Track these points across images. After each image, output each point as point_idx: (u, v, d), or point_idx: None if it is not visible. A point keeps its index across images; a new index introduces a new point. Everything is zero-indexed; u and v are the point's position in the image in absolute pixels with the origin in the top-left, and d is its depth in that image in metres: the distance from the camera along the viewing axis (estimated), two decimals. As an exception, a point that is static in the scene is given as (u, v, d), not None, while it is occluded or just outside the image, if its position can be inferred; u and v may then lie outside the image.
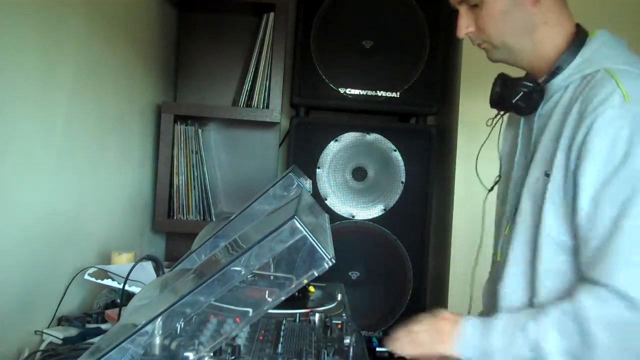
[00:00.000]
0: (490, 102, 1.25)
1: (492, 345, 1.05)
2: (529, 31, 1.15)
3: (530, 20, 1.14)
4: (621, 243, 0.99)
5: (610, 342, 0.97)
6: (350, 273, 2.26)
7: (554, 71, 1.14)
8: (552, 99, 1.15)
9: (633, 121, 1.00)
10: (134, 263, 1.25)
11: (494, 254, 1.29)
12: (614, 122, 1.01)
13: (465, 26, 1.18)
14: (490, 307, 1.27)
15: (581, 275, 1.06)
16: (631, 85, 1.03)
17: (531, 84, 1.17)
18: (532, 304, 1.13)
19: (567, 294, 1.06)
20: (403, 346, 1.12)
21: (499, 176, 1.34)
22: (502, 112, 1.28)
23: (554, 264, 1.10)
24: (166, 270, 1.22)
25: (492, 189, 1.33)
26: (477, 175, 1.34)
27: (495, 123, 1.29)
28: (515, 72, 1.24)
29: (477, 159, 1.36)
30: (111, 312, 1.35)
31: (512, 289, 1.17)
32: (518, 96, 1.17)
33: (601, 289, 0.99)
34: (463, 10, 1.18)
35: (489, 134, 1.31)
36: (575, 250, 1.07)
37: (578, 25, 1.17)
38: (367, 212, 2.27)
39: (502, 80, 1.22)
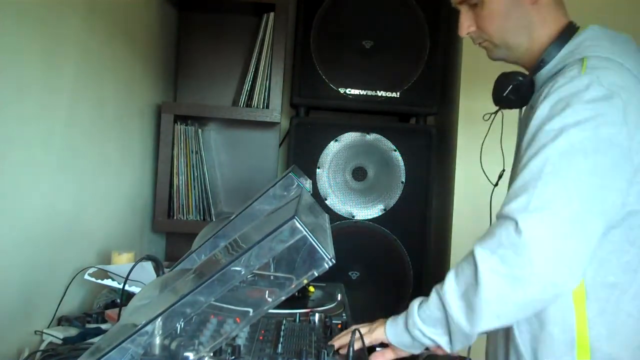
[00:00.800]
0: (492, 99, 1.27)
1: (413, 313, 1.06)
2: (527, 29, 1.16)
3: (529, 18, 1.16)
4: (521, 178, 1.00)
5: (492, 267, 0.97)
6: (350, 273, 2.26)
7: (539, 64, 1.16)
8: (539, 91, 1.15)
9: (579, 86, 1.01)
10: (134, 263, 1.25)
11: None
12: (560, 88, 1.03)
13: (466, 25, 1.20)
14: None
15: None
16: (596, 62, 1.04)
17: (520, 77, 1.20)
18: None
19: None
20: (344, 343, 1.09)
21: (504, 170, 1.33)
22: (497, 108, 1.29)
23: None
24: (166, 270, 1.22)
25: (497, 184, 1.33)
26: (483, 170, 1.35)
27: (493, 118, 1.32)
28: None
29: (480, 154, 1.38)
30: (111, 312, 1.35)
31: None
32: (507, 89, 1.20)
33: (495, 222, 1.01)
34: (464, 10, 1.20)
35: (489, 128, 1.32)
36: None
37: (571, 22, 1.18)
38: (367, 212, 2.27)
39: (499, 77, 1.25)
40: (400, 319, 1.10)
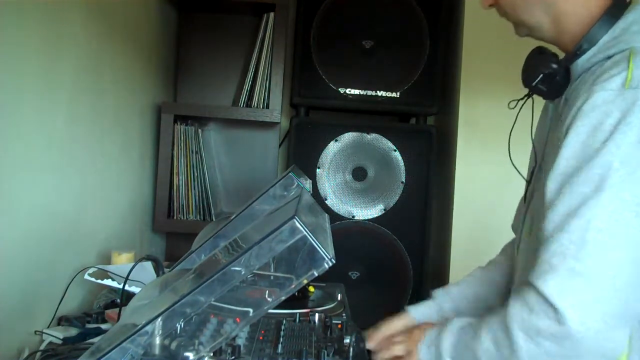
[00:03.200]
0: (522, 83, 1.09)
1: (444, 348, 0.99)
2: (544, 5, 0.99)
3: None
4: (560, 244, 0.84)
5: (531, 351, 0.85)
6: (350, 273, 2.26)
7: (576, 52, 0.97)
8: (576, 83, 0.99)
9: (623, 108, 0.84)
10: (134, 263, 1.25)
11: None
12: (602, 107, 0.85)
13: None
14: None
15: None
16: None
17: (554, 65, 1.00)
18: None
19: None
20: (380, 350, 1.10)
21: (536, 164, 1.14)
22: (527, 93, 1.10)
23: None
24: (166, 270, 1.22)
25: (530, 180, 1.15)
26: (512, 164, 1.15)
27: (522, 106, 1.11)
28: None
29: (509, 146, 1.18)
30: (111, 312, 1.35)
31: None
32: (537, 79, 1.01)
33: (530, 291, 0.86)
34: None
35: (516, 116, 1.11)
36: None
37: None
38: (367, 212, 2.27)
39: (532, 57, 1.05)
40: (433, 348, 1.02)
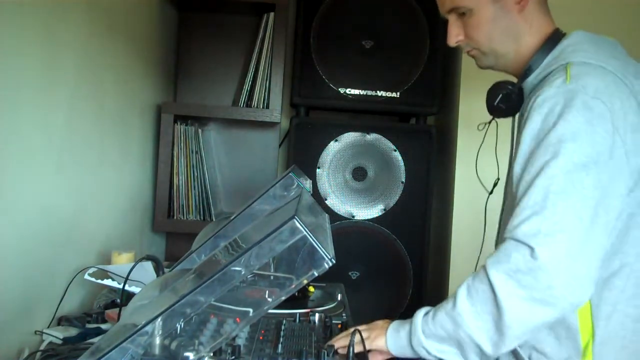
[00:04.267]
0: (487, 109, 1.29)
1: (417, 329, 1.06)
2: (515, 37, 1.19)
3: (517, 26, 1.18)
4: (529, 198, 1.00)
5: (511, 288, 0.98)
6: (350, 273, 2.26)
7: (526, 72, 1.18)
8: (528, 99, 1.16)
9: (567, 97, 1.03)
10: (134, 263, 1.25)
11: None
12: (550, 99, 1.04)
13: (455, 34, 1.22)
14: None
15: None
16: (579, 69, 1.06)
17: (509, 86, 1.22)
18: None
19: None
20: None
21: (498, 178, 1.36)
22: (491, 118, 1.31)
23: None
24: (166, 270, 1.22)
25: (492, 191, 1.36)
26: (478, 178, 1.40)
27: (487, 128, 1.36)
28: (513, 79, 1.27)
29: (476, 162, 1.43)
30: (111, 312, 1.35)
31: None
32: (497, 99, 1.23)
33: (506, 243, 1.01)
34: (452, 19, 1.22)
35: (483, 138, 1.36)
36: None
37: (557, 29, 1.21)
38: (367, 212, 2.27)
39: (491, 87, 1.26)
40: (403, 332, 1.09)
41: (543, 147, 1.02)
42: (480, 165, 1.41)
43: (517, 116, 1.26)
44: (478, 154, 1.42)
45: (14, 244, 1.21)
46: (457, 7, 1.19)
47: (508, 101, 1.22)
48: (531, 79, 1.18)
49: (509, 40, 1.19)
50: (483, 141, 1.37)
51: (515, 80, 1.25)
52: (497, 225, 1.33)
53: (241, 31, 2.42)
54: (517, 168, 1.06)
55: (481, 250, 1.35)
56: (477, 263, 1.36)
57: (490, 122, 1.34)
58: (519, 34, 1.18)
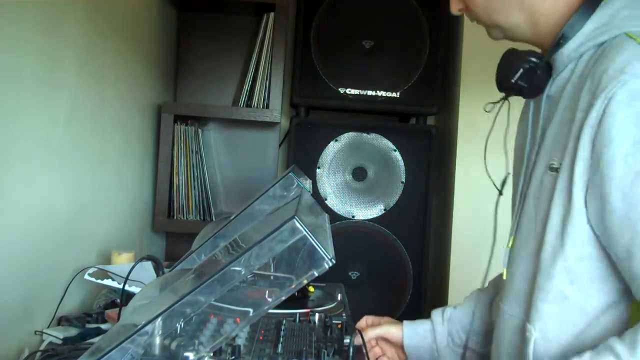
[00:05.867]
0: (496, 84, 1.03)
1: None
2: (520, 5, 0.96)
3: None
4: None
5: None
6: (350, 273, 2.26)
7: (559, 41, 0.92)
8: (562, 76, 0.95)
9: None
10: (134, 263, 1.25)
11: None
12: (636, 96, 0.79)
13: (455, 4, 1.05)
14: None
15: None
16: None
17: (534, 59, 0.96)
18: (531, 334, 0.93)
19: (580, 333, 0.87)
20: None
21: (508, 173, 1.12)
22: (503, 96, 1.06)
23: (563, 287, 0.89)
24: (166, 270, 1.22)
25: (501, 191, 1.11)
26: (488, 174, 1.12)
27: (499, 108, 1.06)
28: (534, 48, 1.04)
29: (484, 156, 1.14)
30: (111, 312, 1.35)
31: (515, 312, 0.99)
32: (517, 74, 0.96)
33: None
34: None
35: (493, 121, 1.07)
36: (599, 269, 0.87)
37: None
38: (367, 212, 2.27)
39: (506, 56, 1.01)
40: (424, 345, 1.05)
41: None
42: (483, 160, 1.15)
43: (543, 98, 0.97)
44: (486, 145, 1.12)
45: (14, 243, 1.21)
46: None
47: (531, 78, 0.96)
48: (569, 50, 0.92)
49: (514, 10, 0.96)
50: (493, 125, 1.07)
51: (536, 49, 1.00)
52: (512, 231, 1.05)
53: (241, 31, 2.42)
54: (614, 203, 0.80)
55: (492, 253, 1.17)
56: (485, 273, 1.23)
57: (503, 101, 1.05)
58: (525, 1, 0.95)
